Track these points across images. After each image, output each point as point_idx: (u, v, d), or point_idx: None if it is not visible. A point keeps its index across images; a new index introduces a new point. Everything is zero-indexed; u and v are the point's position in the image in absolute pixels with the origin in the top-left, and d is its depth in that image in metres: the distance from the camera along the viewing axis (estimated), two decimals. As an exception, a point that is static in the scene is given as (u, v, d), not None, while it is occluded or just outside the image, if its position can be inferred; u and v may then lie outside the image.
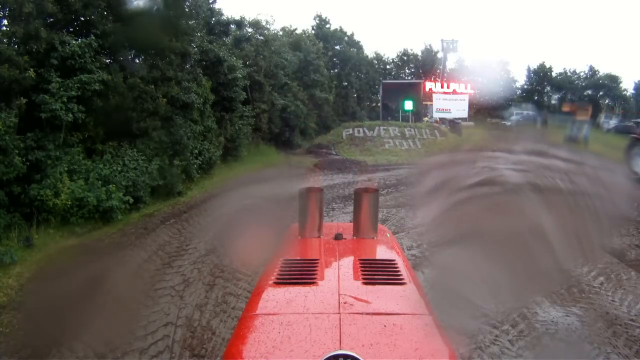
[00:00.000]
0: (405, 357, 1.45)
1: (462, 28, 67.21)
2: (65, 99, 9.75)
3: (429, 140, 24.59)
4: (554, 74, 35.02)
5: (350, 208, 4.95)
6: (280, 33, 27.65)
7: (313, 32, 32.75)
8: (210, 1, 19.57)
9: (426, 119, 29.46)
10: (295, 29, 30.33)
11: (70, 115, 9.82)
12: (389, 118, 30.40)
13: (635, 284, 6.89)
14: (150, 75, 12.61)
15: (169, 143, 12.66)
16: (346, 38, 34.89)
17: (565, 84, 34.45)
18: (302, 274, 2.00)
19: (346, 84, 34.28)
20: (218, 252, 7.86)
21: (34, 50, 9.71)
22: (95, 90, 10.33)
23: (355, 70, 34.75)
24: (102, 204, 9.64)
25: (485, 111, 30.94)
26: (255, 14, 30.52)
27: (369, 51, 37.36)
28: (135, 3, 12.70)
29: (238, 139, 17.65)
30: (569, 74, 35.05)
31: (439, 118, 29.21)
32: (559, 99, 33.92)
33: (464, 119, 28.82)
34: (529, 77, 35.59)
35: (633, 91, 33.94)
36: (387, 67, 38.67)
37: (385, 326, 1.57)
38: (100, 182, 10.01)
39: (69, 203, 9.32)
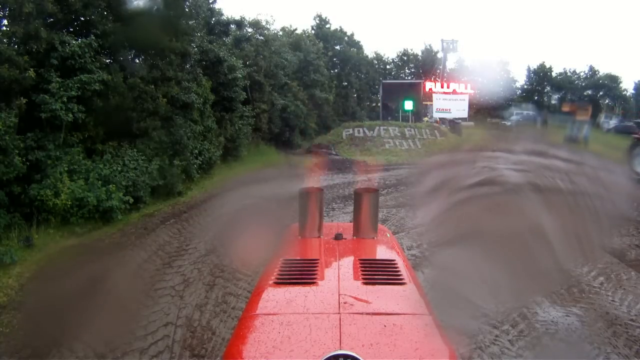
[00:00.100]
0: (405, 357, 1.45)
1: (462, 28, 67.22)
2: (65, 99, 9.75)
3: (429, 140, 24.59)
4: (554, 74, 35.06)
5: (350, 208, 4.95)
6: (280, 33, 27.67)
7: (313, 32, 32.76)
8: (210, 1, 19.58)
9: (426, 119, 29.46)
10: (295, 29, 30.38)
11: (70, 115, 9.82)
12: (389, 118, 30.40)
13: (635, 284, 6.89)
14: (150, 75, 12.61)
15: (169, 143, 12.66)
16: (346, 38, 34.91)
17: (565, 84, 34.46)
18: (302, 274, 2.00)
19: (346, 84, 34.29)
20: (218, 252, 7.86)
21: (34, 50, 9.71)
22: (95, 90, 10.33)
23: (355, 70, 34.75)
24: (102, 204, 9.64)
25: (485, 111, 30.94)
26: (255, 14, 30.57)
27: (369, 51, 37.44)
28: (135, 3, 12.71)
29: (238, 139, 17.66)
30: (569, 74, 35.08)
31: (439, 118, 29.21)
32: (559, 99, 33.93)
33: (464, 119, 28.81)
34: (529, 77, 35.64)
35: (633, 91, 33.99)
36: (387, 67, 38.69)
37: (385, 326, 1.57)
38: (100, 182, 10.01)
39: (69, 203, 9.32)
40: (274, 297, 1.85)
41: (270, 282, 1.97)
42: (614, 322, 5.71)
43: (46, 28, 10.04)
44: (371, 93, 37.47)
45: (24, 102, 9.26)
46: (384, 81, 34.38)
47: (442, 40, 32.01)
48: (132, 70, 12.27)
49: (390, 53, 42.55)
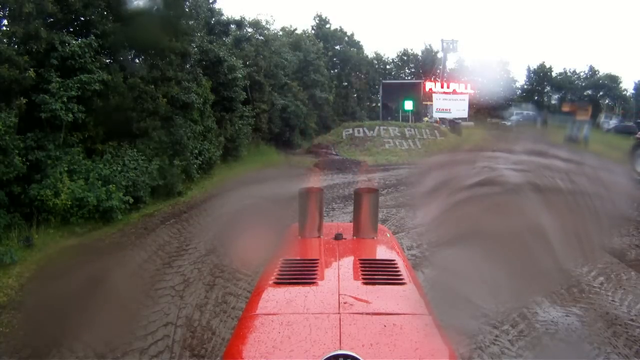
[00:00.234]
0: (405, 357, 1.45)
1: (462, 28, 67.22)
2: (65, 99, 9.75)
3: (429, 140, 24.59)
4: (554, 74, 35.06)
5: (350, 208, 4.95)
6: (280, 33, 27.67)
7: (313, 32, 32.77)
8: (210, 1, 19.58)
9: (426, 119, 29.46)
10: (295, 29, 30.38)
11: (70, 115, 9.82)
12: (389, 118, 30.39)
13: (635, 284, 6.89)
14: (150, 75, 12.61)
15: (169, 143, 12.66)
16: (346, 38, 34.92)
17: (565, 84, 34.46)
18: (302, 274, 2.00)
19: (346, 84, 34.30)
20: (218, 252, 7.86)
21: (34, 50, 9.70)
22: (95, 90, 10.33)
23: (355, 70, 34.76)
24: (102, 204, 9.64)
25: (485, 111, 30.94)
26: (255, 14, 30.60)
27: (369, 51, 37.44)
28: (135, 3, 12.71)
29: (238, 139, 17.66)
30: (569, 74, 35.08)
31: (439, 118, 29.21)
32: (559, 99, 33.93)
33: (464, 119, 28.81)
34: (529, 77, 35.64)
35: (633, 91, 33.98)
36: (387, 67, 38.69)
37: (385, 326, 1.57)
38: (100, 182, 10.01)
39: (69, 203, 9.32)
40: (274, 297, 1.85)
41: (270, 282, 1.97)
42: (614, 322, 5.71)
43: (46, 28, 10.04)
44: (371, 93, 37.48)
45: (24, 102, 9.25)
46: (384, 81, 34.38)
47: (442, 40, 32.03)
48: (132, 70, 12.27)
49: (390, 53, 42.60)
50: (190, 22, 15.24)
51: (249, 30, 22.04)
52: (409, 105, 29.51)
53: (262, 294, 1.90)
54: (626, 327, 5.60)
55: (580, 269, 7.13)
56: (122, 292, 5.67)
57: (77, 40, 10.56)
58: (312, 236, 2.62)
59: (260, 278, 2.14)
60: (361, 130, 25.43)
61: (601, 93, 33.87)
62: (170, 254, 8.17)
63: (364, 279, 1.96)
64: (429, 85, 30.39)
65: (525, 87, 35.74)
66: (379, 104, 34.36)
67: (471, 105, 30.36)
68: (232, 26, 21.02)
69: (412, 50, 37.95)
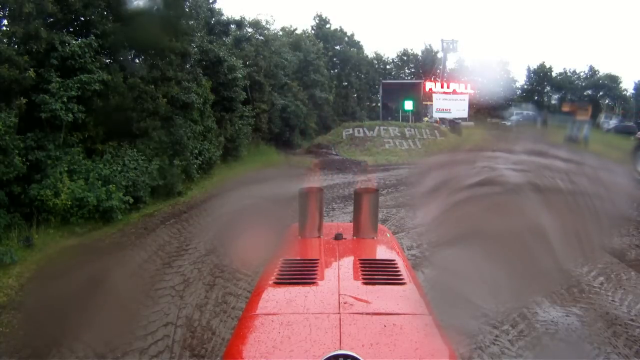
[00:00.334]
0: (405, 357, 1.45)
1: (462, 28, 67.21)
2: (65, 99, 9.75)
3: (429, 140, 24.59)
4: (554, 74, 35.06)
5: (350, 208, 4.95)
6: (280, 33, 27.67)
7: (313, 32, 32.76)
8: (210, 1, 19.58)
9: (426, 119, 29.46)
10: (295, 29, 30.38)
11: (70, 115, 9.82)
12: (389, 118, 30.40)
13: (635, 284, 6.89)
14: (150, 75, 12.61)
15: (169, 143, 12.66)
16: (346, 38, 34.93)
17: (565, 84, 34.46)
18: (302, 274, 2.00)
19: (346, 84, 34.30)
20: (218, 252, 7.86)
21: (34, 50, 9.70)
22: (95, 90, 10.33)
23: (355, 70, 34.76)
24: (102, 204, 9.64)
25: (485, 111, 30.94)
26: (255, 14, 30.61)
27: (369, 51, 37.45)
28: (135, 3, 12.70)
29: (238, 139, 17.66)
30: (569, 74, 35.08)
31: (439, 118, 29.21)
32: (559, 99, 33.93)
33: (464, 119, 28.81)
34: (529, 77, 35.64)
35: (633, 91, 33.98)
36: (387, 67, 38.70)
37: (385, 326, 1.57)
38: (100, 182, 10.01)
39: (69, 203, 9.32)
40: (274, 297, 1.85)
41: (270, 282, 1.97)
42: (614, 322, 5.71)
43: (46, 28, 10.04)
44: (371, 93, 37.48)
45: (24, 102, 9.25)
46: (384, 81, 34.38)
47: (442, 40, 32.03)
48: (132, 70, 12.26)
49: (390, 53, 42.60)
50: (190, 22, 15.24)
51: (249, 30, 22.05)
52: (409, 105, 29.52)
53: (262, 294, 1.90)
54: (626, 327, 5.60)
55: (580, 269, 7.13)
56: (122, 292, 5.68)
57: (77, 40, 10.56)
58: (312, 236, 2.62)
59: (260, 278, 2.14)
60: (361, 130, 25.43)
61: (601, 93, 33.87)
62: (170, 254, 8.17)
63: (364, 279, 1.96)
64: (429, 85, 30.39)
65: (525, 87, 35.76)
66: (379, 104, 34.36)
67: (471, 105, 30.36)
68: (232, 26, 21.03)
69: (412, 50, 38.03)
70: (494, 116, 30.17)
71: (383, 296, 1.82)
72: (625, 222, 8.86)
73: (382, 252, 2.59)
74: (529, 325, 5.53)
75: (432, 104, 30.13)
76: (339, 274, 2.03)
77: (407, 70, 38.53)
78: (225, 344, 3.91)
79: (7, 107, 8.95)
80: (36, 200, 9.10)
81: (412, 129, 25.69)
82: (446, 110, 29.91)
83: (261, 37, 22.21)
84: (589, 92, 33.90)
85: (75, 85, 9.97)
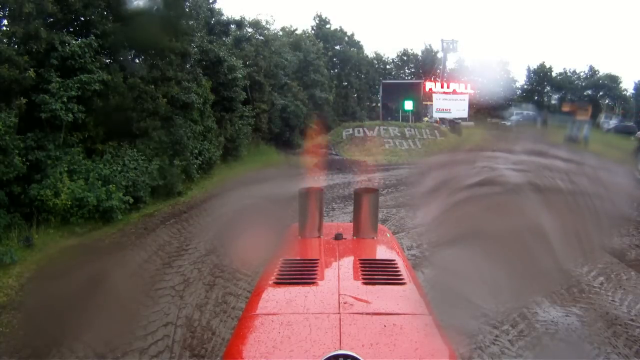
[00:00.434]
0: (405, 357, 1.45)
1: (462, 28, 67.17)
2: (65, 99, 9.75)
3: (429, 140, 24.60)
4: (554, 74, 35.01)
5: (350, 208, 4.95)
6: (280, 33, 27.65)
7: (313, 32, 32.73)
8: (210, 1, 19.57)
9: (426, 119, 29.46)
10: (295, 29, 30.33)
11: (70, 115, 9.82)
12: (389, 118, 30.39)
13: (635, 284, 6.89)
14: (150, 75, 12.60)
15: (169, 143, 12.65)
16: (346, 38, 34.88)
17: (565, 84, 34.44)
18: (302, 274, 2.00)
19: (346, 84, 34.28)
20: (218, 252, 7.87)
21: (34, 50, 9.70)
22: (95, 90, 10.33)
23: (355, 70, 34.73)
24: (102, 204, 9.63)
25: (485, 111, 30.92)
26: (255, 14, 30.54)
27: (369, 51, 37.38)
28: (135, 3, 12.70)
29: (238, 139, 17.65)
30: (569, 74, 35.04)
31: (439, 118, 29.21)
32: (559, 99, 33.89)
33: (464, 119, 28.81)
34: (529, 77, 35.59)
35: (633, 91, 33.93)
36: (387, 67, 38.65)
37: (385, 326, 1.57)
38: (100, 182, 10.00)
39: (69, 203, 9.32)
40: (274, 297, 1.85)
41: (270, 282, 1.97)
42: (614, 322, 5.72)
43: (46, 28, 10.04)
44: (371, 93, 37.46)
45: (24, 102, 9.25)
46: (384, 81, 34.37)
47: (442, 40, 32.01)
48: (132, 70, 12.26)
49: (390, 53, 42.52)
50: (190, 22, 15.23)
51: (249, 30, 22.03)
52: (409, 105, 29.52)
53: (262, 294, 1.90)
54: (626, 327, 5.60)
55: (580, 269, 7.13)
56: (122, 292, 5.68)
57: (77, 40, 10.55)
58: (312, 236, 2.62)
59: (260, 278, 2.14)
60: (361, 130, 25.44)
61: (601, 93, 33.85)
62: (170, 254, 8.18)
63: (364, 279, 1.96)
64: (429, 85, 30.39)
65: (525, 87, 35.71)
66: (379, 104, 34.35)
67: (471, 105, 30.36)
68: (232, 26, 21.02)
69: (412, 50, 37.94)
70: (494, 116, 30.16)
71: (383, 296, 1.82)
72: (625, 222, 8.86)
73: (382, 252, 2.60)
74: (529, 325, 5.53)
75: (432, 104, 30.12)
76: (339, 274, 2.03)
77: (407, 70, 38.48)
78: (225, 344, 3.91)
79: (7, 107, 8.95)
80: (36, 200, 9.10)
81: (412, 129, 25.70)
82: (446, 110, 29.91)
83: (261, 37, 22.20)
84: (589, 92, 33.87)
85: (75, 85, 9.97)
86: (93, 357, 4.81)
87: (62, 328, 4.83)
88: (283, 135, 23.46)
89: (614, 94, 33.65)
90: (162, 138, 12.43)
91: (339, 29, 34.67)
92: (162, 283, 6.94)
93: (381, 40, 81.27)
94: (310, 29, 32.88)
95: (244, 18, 21.50)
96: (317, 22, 34.25)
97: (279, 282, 1.95)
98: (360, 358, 1.38)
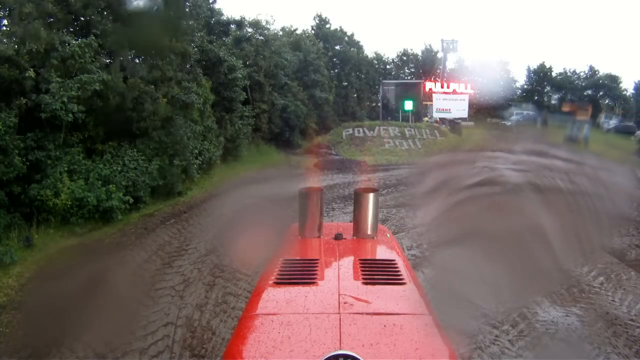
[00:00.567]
0: (405, 357, 1.45)
1: (462, 28, 67.15)
2: (65, 99, 9.74)
3: (429, 140, 24.60)
4: (554, 74, 35.00)
5: (350, 208, 4.96)
6: (280, 33, 27.64)
7: (313, 32, 32.72)
8: (210, 1, 19.58)
9: (426, 119, 29.45)
10: (296, 29, 30.34)
11: (70, 115, 9.81)
12: (389, 118, 30.38)
13: (635, 284, 6.89)
14: (150, 75, 12.60)
15: (169, 143, 12.65)
16: (346, 38, 34.86)
17: (565, 84, 34.43)
18: (302, 274, 2.00)
19: (346, 84, 34.27)
20: (218, 252, 7.87)
21: (34, 50, 9.70)
22: (95, 90, 10.32)
23: (355, 70, 34.72)
24: (102, 204, 9.64)
25: (485, 111, 30.92)
26: (255, 14, 30.49)
27: (369, 51, 37.35)
28: (135, 3, 12.70)
29: (238, 139, 17.65)
30: (569, 74, 35.03)
31: (439, 118, 29.20)
32: (559, 99, 33.88)
33: (464, 119, 28.80)
34: (529, 77, 35.58)
35: (633, 91, 33.90)
36: (387, 67, 38.64)
37: (385, 326, 1.57)
38: (100, 182, 10.01)
39: (69, 203, 9.32)
40: (274, 297, 1.85)
41: (270, 282, 1.97)
42: (614, 322, 5.71)
43: (46, 28, 10.04)
44: (371, 93, 37.45)
45: (24, 102, 9.25)
46: (384, 81, 34.36)
47: (442, 40, 32.00)
48: (132, 70, 12.25)
49: (390, 53, 42.48)
50: (190, 22, 15.23)
51: (249, 30, 22.02)
52: (409, 105, 29.51)
53: (262, 294, 1.90)
54: (626, 327, 5.60)
55: (581, 269, 7.13)
56: (122, 292, 5.68)
57: (77, 40, 10.55)
58: (312, 236, 2.62)
59: (260, 278, 2.14)
60: (361, 130, 25.43)
61: (601, 93, 33.84)
62: (170, 254, 8.18)
63: (364, 279, 1.96)
64: (429, 85, 30.38)
65: (525, 87, 35.70)
66: (379, 104, 34.34)
67: (471, 105, 30.35)
68: (232, 26, 21.02)
69: (412, 50, 37.92)
70: (494, 116, 30.16)
71: (383, 296, 1.82)
72: (625, 222, 8.86)
73: (382, 252, 2.59)
74: (529, 325, 5.53)
75: (432, 104, 30.12)
76: (339, 274, 2.03)
77: (407, 70, 38.46)
78: (225, 344, 3.91)
79: (7, 107, 8.95)
80: (36, 200, 9.10)
81: (412, 129, 25.69)
82: (446, 110, 29.91)
83: (261, 37, 22.19)
84: (589, 92, 33.86)
85: (75, 85, 9.96)
86: (93, 357, 4.81)
87: (62, 328, 4.83)
88: (283, 135, 23.45)
89: (614, 94, 33.64)
90: (162, 138, 12.43)
91: (339, 29, 34.67)
92: (162, 283, 6.94)
93: (381, 40, 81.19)
94: (310, 29, 32.89)
95: (244, 18, 21.52)
96: (317, 22, 34.25)
97: (279, 282, 1.95)
98: (360, 358, 1.38)
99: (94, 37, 10.57)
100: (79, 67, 10.27)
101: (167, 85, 12.97)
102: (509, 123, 27.80)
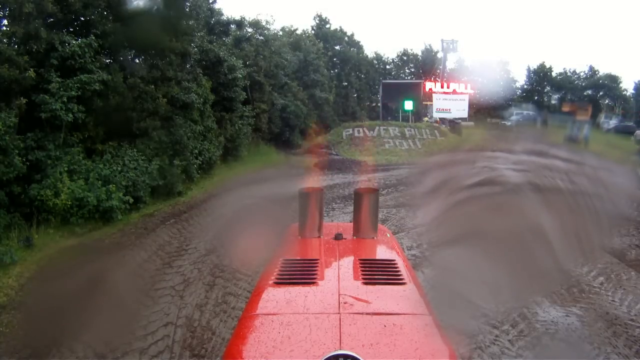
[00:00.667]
0: (405, 357, 1.45)
1: (462, 28, 67.15)
2: (65, 99, 9.75)
3: (429, 140, 24.60)
4: (554, 74, 35.01)
5: (350, 208, 4.96)
6: (280, 33, 27.63)
7: (313, 32, 32.72)
8: (210, 1, 19.57)
9: (426, 119, 29.45)
10: (296, 29, 30.32)
11: (70, 115, 9.82)
12: (389, 118, 30.38)
13: (635, 284, 6.89)
14: (150, 75, 12.60)
15: (169, 143, 12.65)
16: (346, 38, 34.87)
17: (565, 84, 34.43)
18: (302, 274, 2.00)
19: (346, 84, 34.26)
20: (218, 252, 7.87)
21: (34, 50, 9.70)
22: (95, 90, 10.33)
23: (355, 70, 34.73)
24: (102, 204, 9.64)
25: (485, 111, 30.92)
26: (255, 14, 30.47)
27: (369, 51, 37.36)
28: (135, 3, 12.70)
29: (238, 139, 17.65)
30: (569, 74, 35.03)
31: (439, 118, 29.20)
32: (559, 99, 33.88)
33: (464, 119, 28.80)
34: (529, 77, 35.58)
35: (633, 91, 33.91)
36: (387, 67, 38.64)
37: (385, 326, 1.57)
38: (100, 182, 10.01)
39: (69, 203, 9.32)
40: (274, 297, 1.85)
41: (270, 282, 1.97)
42: (614, 322, 5.72)
43: (46, 28, 10.04)
44: (371, 93, 37.44)
45: (24, 102, 9.25)
46: (384, 81, 34.36)
47: (442, 40, 32.00)
48: (132, 70, 12.26)
49: (390, 53, 42.48)
50: (190, 22, 15.23)
51: (249, 30, 22.01)
52: (409, 105, 29.50)
53: (262, 294, 1.90)
54: (626, 327, 5.60)
55: (581, 269, 7.14)
56: (122, 292, 5.68)
57: (77, 40, 10.55)
58: (312, 236, 2.62)
59: (260, 278, 2.14)
60: (361, 130, 25.42)
61: (601, 93, 33.84)
62: (170, 254, 8.18)
63: (364, 279, 1.96)
64: (429, 85, 30.38)
65: (525, 87, 35.70)
66: (379, 104, 34.34)
67: (471, 105, 30.35)
68: (232, 26, 21.01)
69: (412, 50, 37.93)
70: (494, 116, 30.17)
71: (383, 296, 1.82)
72: (625, 222, 8.86)
73: (382, 252, 2.60)
74: (529, 325, 5.53)
75: (432, 104, 30.12)
76: (339, 274, 2.03)
77: (407, 70, 38.47)
78: (225, 344, 3.91)
79: (7, 107, 8.95)
80: (36, 200, 9.10)
81: (412, 129, 25.69)
82: (446, 110, 29.91)
83: (261, 37, 22.18)
84: (589, 92, 33.86)
85: (75, 85, 9.96)
86: (93, 357, 4.81)
87: (62, 328, 4.83)
88: (283, 135, 23.45)
89: (614, 94, 33.64)
90: (162, 138, 12.43)
91: (339, 29, 34.68)
92: (162, 283, 6.94)
93: (381, 40, 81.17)
94: (310, 29, 32.88)
95: (244, 18, 21.51)
96: (317, 22, 34.25)
97: (279, 282, 1.95)
98: (360, 358, 1.38)
99: (94, 37, 10.57)
100: (79, 67, 10.28)
101: (167, 85, 12.97)
102: (509, 123, 27.80)
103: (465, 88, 30.30)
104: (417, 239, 8.53)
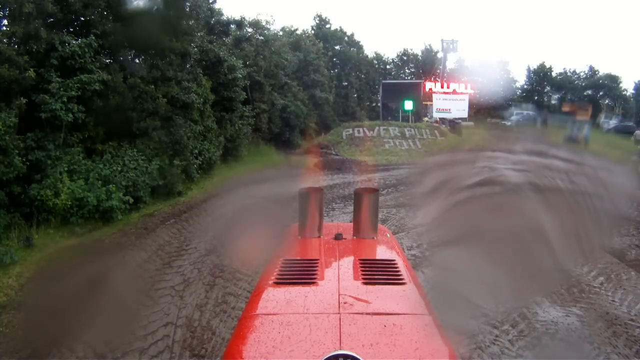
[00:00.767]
0: (405, 357, 1.45)
1: (462, 28, 67.15)
2: (65, 99, 9.75)
3: (429, 140, 24.60)
4: (554, 74, 35.01)
5: (350, 208, 4.96)
6: (280, 33, 27.63)
7: (313, 32, 32.72)
8: (210, 1, 19.57)
9: (426, 119, 29.46)
10: (296, 29, 30.32)
11: (70, 115, 9.82)
12: (389, 118, 30.39)
13: (635, 284, 6.89)
14: (150, 75, 12.60)
15: (169, 143, 12.65)
16: (346, 38, 34.88)
17: (565, 84, 34.43)
18: (302, 274, 2.00)
19: (346, 84, 34.27)
20: (218, 252, 7.87)
21: (34, 50, 9.70)
22: (95, 90, 10.33)
23: (355, 70, 34.73)
24: (102, 204, 9.64)
25: (485, 111, 30.92)
26: (255, 14, 30.47)
27: (369, 51, 37.38)
28: (135, 3, 12.70)
29: (238, 139, 17.65)
30: (569, 74, 35.04)
31: (439, 118, 29.21)
32: (559, 99, 33.89)
33: (464, 119, 28.81)
34: (529, 77, 35.58)
35: (633, 91, 33.91)
36: (387, 67, 38.65)
37: (385, 326, 1.57)
38: (100, 182, 10.01)
39: (69, 203, 9.32)
40: (274, 297, 1.85)
41: (270, 282, 1.97)
42: (614, 322, 5.72)
43: (46, 28, 10.04)
44: (371, 93, 37.45)
45: (24, 102, 9.25)
46: (384, 81, 34.36)
47: (442, 40, 32.02)
48: (132, 70, 12.26)
49: (390, 53, 42.49)
50: (190, 22, 15.23)
51: (249, 30, 22.02)
52: (409, 105, 29.51)
53: (262, 294, 1.90)
54: (626, 327, 5.60)
55: (581, 269, 7.14)
56: (122, 292, 5.68)
57: (77, 40, 10.56)
58: (312, 236, 2.62)
59: (260, 278, 2.14)
60: (361, 130, 25.42)
61: (601, 93, 33.84)
62: (170, 254, 8.18)
63: (364, 279, 1.96)
64: (429, 85, 30.39)
65: (525, 87, 35.71)
66: (379, 104, 34.35)
67: (471, 105, 30.35)
68: (232, 26, 21.01)
69: (412, 50, 37.94)
70: (494, 116, 30.16)
71: (383, 296, 1.82)
72: (625, 222, 8.86)
73: (382, 252, 2.59)
74: (529, 325, 5.53)
75: (432, 104, 30.12)
76: (339, 274, 2.03)
77: (407, 70, 38.48)
78: (225, 344, 3.91)
79: (7, 107, 8.95)
80: (36, 200, 9.10)
81: (412, 129, 25.69)
82: (446, 110, 29.91)
83: (261, 37, 22.19)
84: (589, 92, 33.86)
85: (75, 85, 9.96)
86: (93, 357, 4.81)
87: (62, 328, 4.83)
88: (283, 135, 23.45)
89: (614, 94, 33.64)
90: (162, 138, 12.43)
91: (339, 29, 34.70)
92: (162, 283, 6.94)
93: (381, 40, 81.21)
94: (310, 29, 32.89)
95: (244, 18, 21.51)
96: (317, 22, 34.27)
97: (279, 282, 1.95)
98: (360, 358, 1.38)
99: (94, 37, 10.57)
100: (79, 67, 10.28)
101: (167, 85, 12.97)
102: (509, 123, 27.79)
103: (465, 88, 30.30)
104: (417, 239, 8.53)
